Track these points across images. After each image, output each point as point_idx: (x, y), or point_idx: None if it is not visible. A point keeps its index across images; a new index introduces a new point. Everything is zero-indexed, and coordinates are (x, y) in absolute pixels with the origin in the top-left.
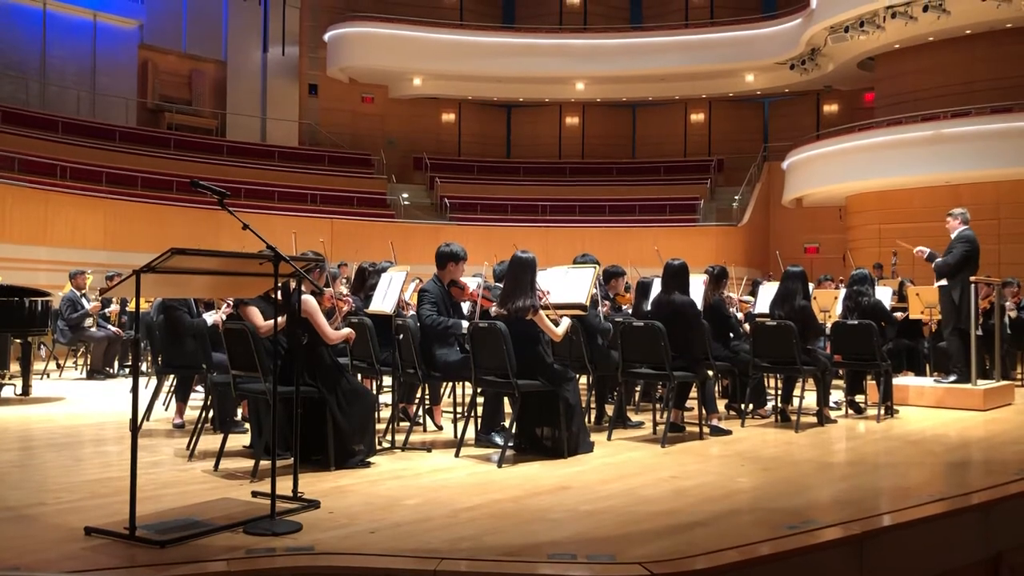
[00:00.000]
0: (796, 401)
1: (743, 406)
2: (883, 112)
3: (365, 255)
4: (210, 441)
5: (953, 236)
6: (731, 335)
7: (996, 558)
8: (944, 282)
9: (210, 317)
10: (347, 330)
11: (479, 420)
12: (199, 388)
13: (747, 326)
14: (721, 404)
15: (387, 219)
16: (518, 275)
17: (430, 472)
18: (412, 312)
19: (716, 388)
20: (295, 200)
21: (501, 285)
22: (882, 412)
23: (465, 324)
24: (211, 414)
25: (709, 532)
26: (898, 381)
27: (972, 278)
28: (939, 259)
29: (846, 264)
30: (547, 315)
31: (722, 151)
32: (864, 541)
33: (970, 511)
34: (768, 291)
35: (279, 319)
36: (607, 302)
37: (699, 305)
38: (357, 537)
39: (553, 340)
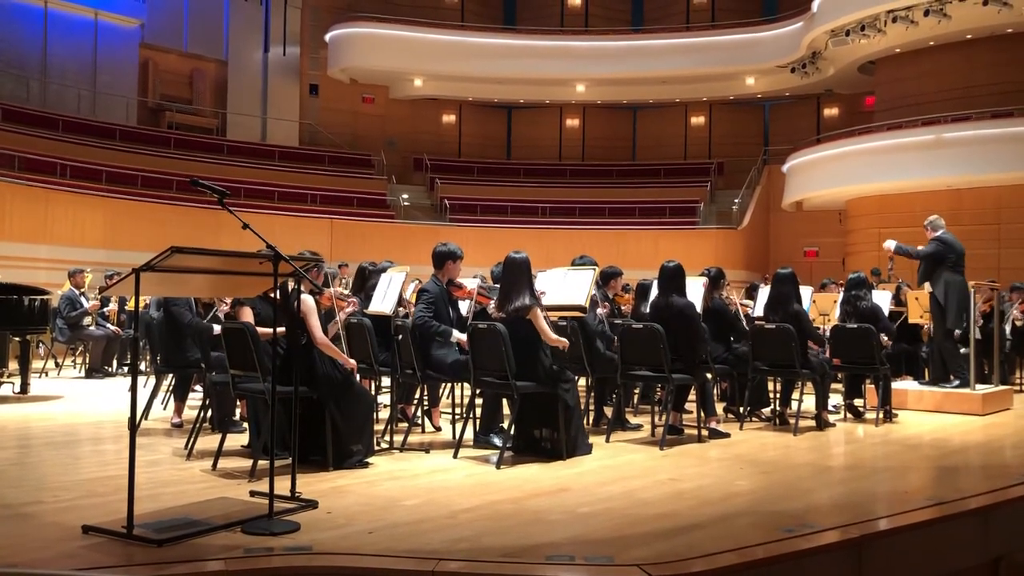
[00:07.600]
0: (795, 404)
1: (741, 409)
2: (883, 116)
3: (365, 255)
4: (208, 440)
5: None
6: (731, 337)
7: (995, 563)
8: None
9: (218, 328)
10: (352, 362)
11: (478, 421)
12: (198, 387)
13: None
14: (720, 407)
15: (387, 220)
16: (514, 276)
17: (428, 473)
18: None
19: (715, 391)
20: (295, 200)
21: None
22: (881, 416)
23: (457, 334)
24: (210, 413)
25: (707, 535)
26: (897, 385)
27: (972, 283)
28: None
29: (845, 268)
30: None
31: (722, 154)
32: (862, 545)
33: (968, 515)
34: (766, 295)
35: (278, 329)
36: (607, 304)
37: (698, 307)
38: (355, 537)
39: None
